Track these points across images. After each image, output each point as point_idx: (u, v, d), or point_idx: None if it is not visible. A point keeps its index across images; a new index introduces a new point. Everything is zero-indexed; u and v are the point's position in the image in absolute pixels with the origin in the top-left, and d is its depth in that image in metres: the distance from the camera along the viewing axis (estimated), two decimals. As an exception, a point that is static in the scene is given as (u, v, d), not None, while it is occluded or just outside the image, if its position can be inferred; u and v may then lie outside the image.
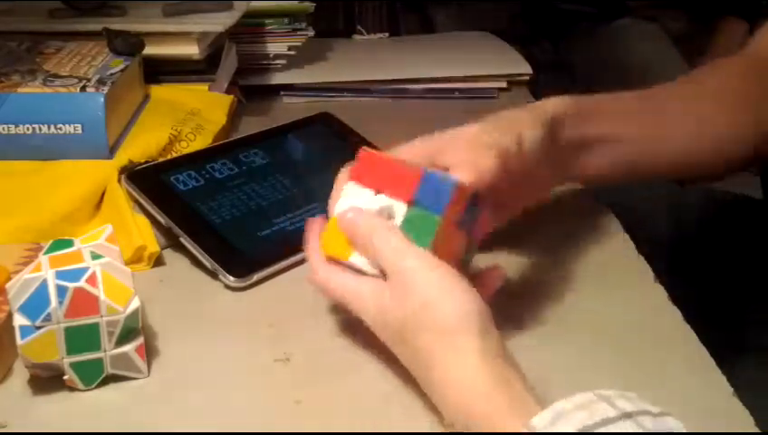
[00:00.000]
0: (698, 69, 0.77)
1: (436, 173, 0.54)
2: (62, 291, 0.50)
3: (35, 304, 0.50)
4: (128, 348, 0.53)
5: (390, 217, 0.53)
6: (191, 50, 0.88)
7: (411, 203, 0.53)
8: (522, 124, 0.60)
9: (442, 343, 0.48)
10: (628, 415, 0.40)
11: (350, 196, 0.55)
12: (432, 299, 0.49)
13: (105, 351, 0.52)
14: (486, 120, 0.60)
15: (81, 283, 0.50)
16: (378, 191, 0.54)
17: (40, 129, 0.72)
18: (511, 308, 0.58)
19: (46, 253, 0.53)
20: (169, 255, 0.68)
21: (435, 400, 0.49)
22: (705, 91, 0.73)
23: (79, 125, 0.72)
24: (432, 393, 0.49)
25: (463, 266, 0.55)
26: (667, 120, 0.70)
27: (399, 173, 0.54)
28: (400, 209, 0.53)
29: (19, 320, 0.50)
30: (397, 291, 0.50)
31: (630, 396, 0.42)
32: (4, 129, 0.72)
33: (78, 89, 0.74)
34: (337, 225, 0.54)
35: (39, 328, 0.50)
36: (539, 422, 0.41)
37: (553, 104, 0.63)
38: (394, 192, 0.53)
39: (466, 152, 0.56)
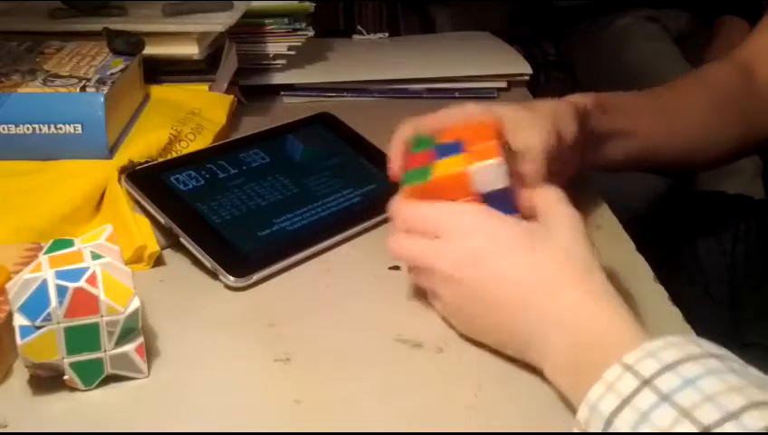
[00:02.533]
0: (691, 73, 0.86)
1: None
2: (62, 291, 0.50)
3: (35, 304, 0.50)
4: (128, 348, 0.53)
5: None
6: (191, 50, 0.88)
7: None
8: (559, 113, 0.65)
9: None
10: (713, 355, 0.42)
11: None
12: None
13: (105, 351, 0.52)
14: (524, 106, 0.65)
15: (81, 283, 0.50)
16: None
17: (40, 129, 0.72)
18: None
19: (46, 253, 0.53)
20: (169, 255, 0.68)
21: (542, 332, 0.50)
22: (699, 94, 0.80)
23: (79, 125, 0.72)
24: (537, 324, 0.51)
25: None
26: (673, 118, 0.78)
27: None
28: None
29: (19, 320, 0.50)
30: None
31: (720, 347, 0.44)
32: (4, 129, 0.72)
33: (78, 89, 0.74)
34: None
35: (39, 328, 0.50)
36: (629, 359, 0.43)
37: (581, 98, 0.69)
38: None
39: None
